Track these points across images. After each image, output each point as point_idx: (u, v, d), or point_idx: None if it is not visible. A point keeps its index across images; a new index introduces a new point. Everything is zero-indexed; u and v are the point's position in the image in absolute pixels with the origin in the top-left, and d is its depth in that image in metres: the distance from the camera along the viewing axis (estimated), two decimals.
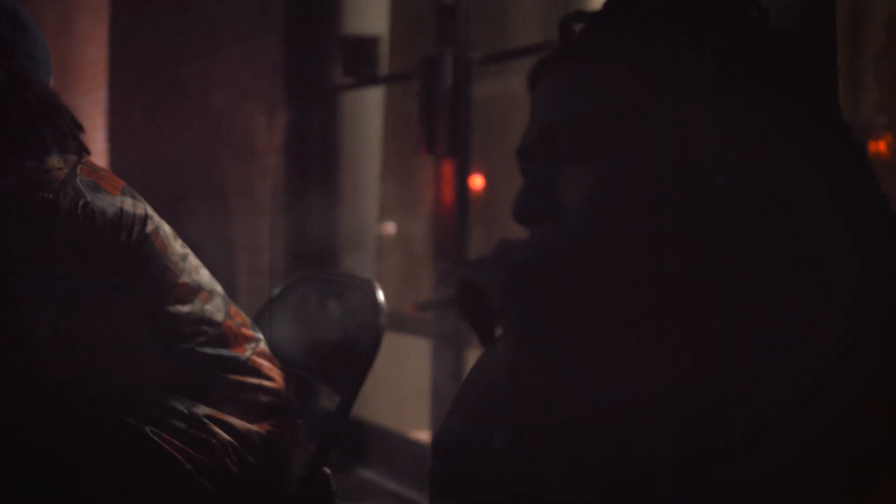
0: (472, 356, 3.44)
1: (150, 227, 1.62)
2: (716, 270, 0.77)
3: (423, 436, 3.57)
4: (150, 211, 1.64)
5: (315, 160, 4.09)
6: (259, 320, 1.94)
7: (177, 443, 1.57)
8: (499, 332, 0.81)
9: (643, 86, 0.79)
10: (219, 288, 1.71)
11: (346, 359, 1.86)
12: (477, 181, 3.47)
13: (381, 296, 1.87)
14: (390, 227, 4.19)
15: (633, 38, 0.80)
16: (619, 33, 0.81)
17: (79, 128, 1.72)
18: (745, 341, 0.75)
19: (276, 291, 2.11)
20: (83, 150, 1.69)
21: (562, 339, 0.75)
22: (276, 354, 1.79)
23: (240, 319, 1.72)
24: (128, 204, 1.61)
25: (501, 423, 0.88)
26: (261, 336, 1.76)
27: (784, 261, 0.76)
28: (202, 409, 1.61)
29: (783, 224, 0.76)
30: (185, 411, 1.59)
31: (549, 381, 0.76)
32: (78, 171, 1.61)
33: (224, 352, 1.65)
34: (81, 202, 1.56)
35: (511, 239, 0.79)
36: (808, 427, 0.68)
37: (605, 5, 0.84)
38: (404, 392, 3.69)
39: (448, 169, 3.38)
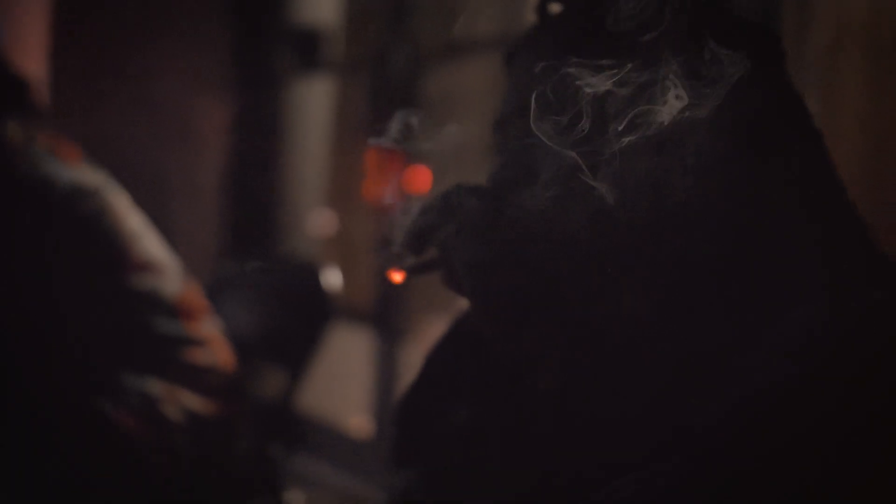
0: (412, 344, 3.46)
1: (105, 199, 1.61)
2: (691, 253, 0.78)
3: (361, 424, 3.58)
4: (107, 182, 1.64)
5: (260, 148, 4.08)
6: (208, 301, 1.94)
7: (128, 418, 1.56)
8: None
9: (621, 67, 0.81)
10: (175, 265, 1.71)
11: (295, 341, 1.86)
12: (423, 175, 3.48)
13: (329, 279, 1.88)
14: (333, 218, 4.19)
15: (609, 20, 0.82)
16: (597, 14, 0.83)
17: (41, 99, 1.71)
18: (719, 322, 0.76)
19: (224, 275, 2.11)
20: (43, 120, 1.68)
21: (536, 309, 0.76)
22: (226, 337, 1.79)
23: (194, 297, 1.72)
24: (84, 174, 1.61)
25: (465, 398, 0.89)
26: (214, 317, 1.75)
27: (757, 248, 0.78)
28: (153, 386, 1.61)
29: (755, 210, 0.78)
30: (137, 387, 1.59)
31: (522, 350, 0.77)
32: (36, 138, 1.60)
33: (177, 329, 1.65)
34: (36, 170, 1.55)
35: (468, 187, 0.81)
36: (786, 408, 0.69)
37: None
38: (342, 380, 3.69)
39: (395, 161, 3.39)
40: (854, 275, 0.75)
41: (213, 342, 1.70)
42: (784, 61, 0.85)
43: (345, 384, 3.69)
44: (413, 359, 3.34)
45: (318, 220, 4.21)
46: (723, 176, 0.78)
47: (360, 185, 4.03)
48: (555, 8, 0.87)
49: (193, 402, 1.63)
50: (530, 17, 0.90)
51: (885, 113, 1.91)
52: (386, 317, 3.46)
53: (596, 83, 0.78)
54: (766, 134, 0.80)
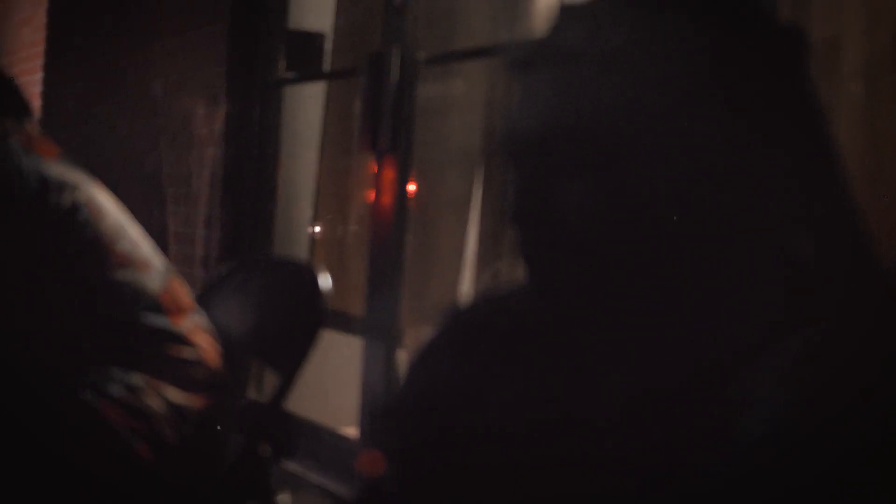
0: (403, 354, 3.47)
1: (82, 195, 1.61)
2: (692, 271, 0.77)
3: (351, 431, 3.58)
4: (85, 179, 1.63)
5: (254, 153, 4.09)
6: (200, 301, 1.94)
7: (114, 409, 1.56)
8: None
9: (643, 92, 0.77)
10: (160, 260, 1.71)
11: (287, 341, 1.87)
12: (410, 184, 3.47)
13: (323, 280, 1.89)
14: (324, 224, 4.20)
15: (634, 38, 0.78)
16: (619, 32, 0.78)
17: (22, 95, 1.71)
18: (712, 339, 0.76)
19: (219, 273, 2.11)
20: (24, 116, 1.68)
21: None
22: (217, 335, 1.79)
23: (180, 293, 1.71)
24: (59, 169, 1.61)
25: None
26: (201, 312, 1.75)
27: (751, 259, 0.77)
28: (138, 379, 1.60)
29: (755, 224, 0.78)
30: (122, 379, 1.58)
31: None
32: (11, 133, 1.60)
33: (161, 322, 1.64)
34: (9, 162, 1.55)
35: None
36: (776, 422, 0.69)
37: (602, 2, 0.81)
38: (333, 388, 3.70)
39: (388, 168, 3.40)
40: (862, 291, 0.74)
41: (198, 338, 1.69)
42: (807, 57, 0.81)
43: (335, 388, 3.69)
44: (403, 364, 3.34)
45: (311, 226, 4.22)
46: (728, 183, 0.77)
47: (353, 192, 4.04)
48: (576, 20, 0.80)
49: (177, 395, 1.63)
50: (549, 14, 0.82)
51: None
52: (376, 322, 3.46)
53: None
54: (792, 141, 0.78)
